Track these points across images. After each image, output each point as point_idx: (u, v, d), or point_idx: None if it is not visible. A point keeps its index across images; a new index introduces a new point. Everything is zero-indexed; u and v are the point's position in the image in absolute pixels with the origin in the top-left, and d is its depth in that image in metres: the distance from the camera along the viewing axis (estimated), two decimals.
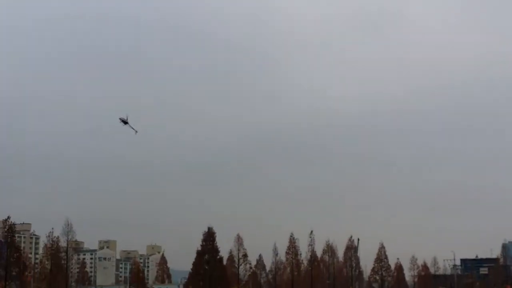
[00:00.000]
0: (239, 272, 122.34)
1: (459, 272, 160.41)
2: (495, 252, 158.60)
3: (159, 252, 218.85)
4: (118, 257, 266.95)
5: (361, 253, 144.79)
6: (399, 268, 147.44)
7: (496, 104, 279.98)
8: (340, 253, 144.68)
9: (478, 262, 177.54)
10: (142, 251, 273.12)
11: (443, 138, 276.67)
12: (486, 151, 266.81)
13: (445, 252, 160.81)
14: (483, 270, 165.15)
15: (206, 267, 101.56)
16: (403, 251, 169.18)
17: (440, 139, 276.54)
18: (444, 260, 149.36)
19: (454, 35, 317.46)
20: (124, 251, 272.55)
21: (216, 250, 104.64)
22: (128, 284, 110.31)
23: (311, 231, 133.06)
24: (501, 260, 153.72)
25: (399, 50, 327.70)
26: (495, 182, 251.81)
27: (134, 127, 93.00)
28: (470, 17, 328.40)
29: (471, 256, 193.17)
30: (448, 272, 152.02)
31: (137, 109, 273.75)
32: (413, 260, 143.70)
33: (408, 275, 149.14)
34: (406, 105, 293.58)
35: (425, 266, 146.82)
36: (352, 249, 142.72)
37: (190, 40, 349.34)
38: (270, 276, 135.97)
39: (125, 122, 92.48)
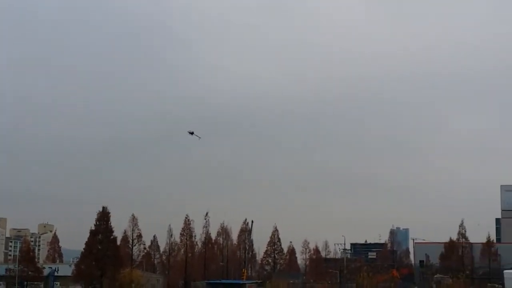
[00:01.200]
0: (133, 253, 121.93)
1: (349, 256, 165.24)
2: (383, 237, 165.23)
3: (51, 231, 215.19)
4: (8, 235, 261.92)
5: (255, 236, 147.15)
6: (292, 251, 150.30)
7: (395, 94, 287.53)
8: (235, 236, 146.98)
9: (367, 247, 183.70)
10: (34, 229, 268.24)
11: (341, 123, 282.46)
12: (381, 138, 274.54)
13: (337, 236, 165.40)
14: (372, 255, 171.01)
15: (99, 247, 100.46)
16: (296, 235, 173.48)
17: (337, 123, 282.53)
18: (335, 244, 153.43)
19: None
20: (15, 229, 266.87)
21: (110, 230, 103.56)
22: (17, 263, 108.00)
23: (207, 213, 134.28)
24: (389, 245, 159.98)
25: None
26: (386, 169, 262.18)
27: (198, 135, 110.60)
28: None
29: (361, 241, 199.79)
30: (339, 255, 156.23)
31: None
32: (305, 243, 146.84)
33: (300, 258, 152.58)
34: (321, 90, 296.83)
35: (316, 250, 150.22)
36: (246, 231, 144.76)
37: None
38: (164, 257, 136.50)
39: (191, 133, 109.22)
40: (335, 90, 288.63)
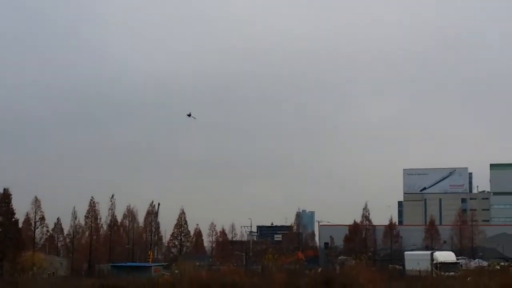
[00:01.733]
0: (35, 236, 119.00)
1: (255, 239, 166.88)
2: (289, 220, 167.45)
3: None
4: None
5: (162, 219, 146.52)
6: (198, 233, 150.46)
7: (297, 79, 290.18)
8: (141, 218, 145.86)
9: (273, 229, 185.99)
10: None
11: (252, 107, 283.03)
12: (291, 121, 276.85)
13: (244, 219, 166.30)
14: (277, 237, 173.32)
15: (0, 230, 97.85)
16: (204, 218, 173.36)
17: (247, 106, 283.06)
18: (241, 227, 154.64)
19: None
20: None
21: (11, 212, 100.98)
22: None
23: (112, 195, 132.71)
24: (295, 227, 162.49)
25: None
26: (295, 152, 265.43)
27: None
28: None
29: (267, 223, 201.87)
30: (245, 238, 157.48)
31: None
32: (212, 226, 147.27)
33: (207, 241, 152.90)
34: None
35: (223, 232, 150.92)
36: (152, 214, 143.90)
37: None
38: (68, 240, 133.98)
39: (189, 115, 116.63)
40: (236, 67, 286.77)
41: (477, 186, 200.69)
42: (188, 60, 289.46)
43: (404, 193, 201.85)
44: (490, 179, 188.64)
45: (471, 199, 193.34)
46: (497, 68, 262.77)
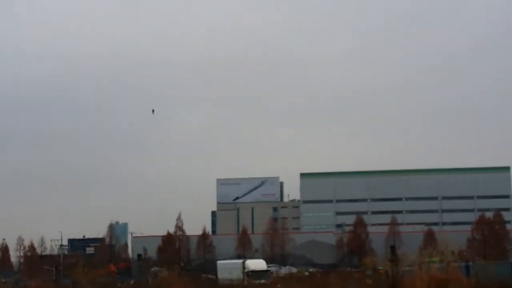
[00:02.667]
0: None
1: (66, 252, 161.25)
2: (102, 232, 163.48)
3: None
4: None
5: None
6: (5, 249, 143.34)
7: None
8: None
9: (85, 242, 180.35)
10: None
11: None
12: (104, 133, 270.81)
13: (54, 232, 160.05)
14: (90, 250, 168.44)
15: None
16: (11, 232, 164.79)
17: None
18: (51, 241, 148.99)
19: None
20: None
21: None
22: None
23: None
24: (107, 239, 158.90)
25: None
26: (108, 164, 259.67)
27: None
28: None
29: (79, 236, 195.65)
30: (55, 252, 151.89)
31: None
32: (20, 240, 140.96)
33: (15, 256, 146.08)
34: None
35: (32, 247, 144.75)
36: None
37: None
38: None
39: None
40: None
41: (288, 195, 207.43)
42: None
43: (218, 203, 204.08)
44: (300, 188, 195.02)
45: (282, 207, 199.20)
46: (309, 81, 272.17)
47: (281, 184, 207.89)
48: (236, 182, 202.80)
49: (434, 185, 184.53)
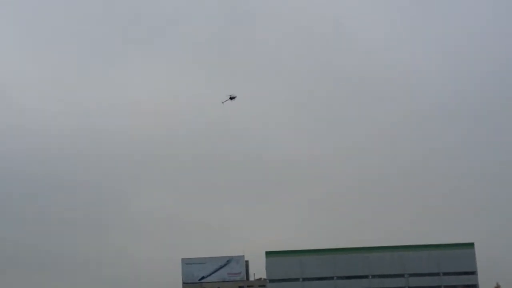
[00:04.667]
0: None
1: None
2: None
3: None
4: None
5: None
6: None
7: None
8: None
9: None
10: None
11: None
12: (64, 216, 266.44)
13: None
14: None
15: None
16: None
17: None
18: None
19: None
20: None
21: None
22: None
23: None
24: None
25: None
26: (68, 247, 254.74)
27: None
28: None
29: None
30: None
31: None
32: None
33: None
34: None
35: None
36: None
37: None
38: None
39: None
40: None
41: (254, 274, 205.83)
42: None
43: (183, 283, 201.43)
44: (266, 266, 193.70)
45: (248, 286, 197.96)
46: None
47: (247, 262, 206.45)
48: (202, 261, 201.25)
49: (399, 262, 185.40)
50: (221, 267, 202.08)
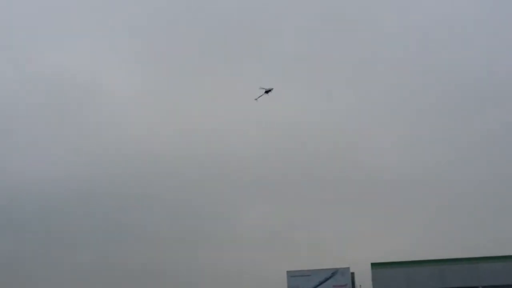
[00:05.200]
0: None
1: None
2: None
3: None
4: None
5: None
6: None
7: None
8: None
9: None
10: None
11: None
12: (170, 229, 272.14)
13: None
14: None
15: None
16: None
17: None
18: None
19: None
20: None
21: None
22: None
23: None
24: None
25: None
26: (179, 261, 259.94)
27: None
28: None
29: None
30: None
31: None
32: None
33: None
34: None
35: None
36: None
37: None
38: None
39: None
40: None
41: (360, 286, 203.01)
42: None
43: None
44: (372, 278, 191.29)
45: None
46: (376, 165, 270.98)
47: (352, 274, 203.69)
48: (307, 274, 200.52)
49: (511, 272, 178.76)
50: (326, 279, 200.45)
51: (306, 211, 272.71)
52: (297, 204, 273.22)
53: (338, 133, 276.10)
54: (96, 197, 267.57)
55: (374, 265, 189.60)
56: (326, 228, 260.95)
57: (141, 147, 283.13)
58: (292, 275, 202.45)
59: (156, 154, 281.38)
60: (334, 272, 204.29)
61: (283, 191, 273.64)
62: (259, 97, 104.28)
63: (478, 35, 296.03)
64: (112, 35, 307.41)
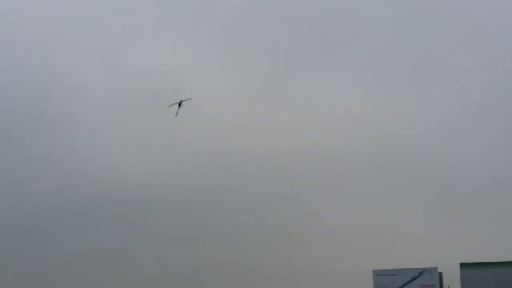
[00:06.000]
0: None
1: None
2: None
3: None
4: None
5: None
6: None
7: None
8: None
9: None
10: None
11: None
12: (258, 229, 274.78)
13: None
14: None
15: None
16: None
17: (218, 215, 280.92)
18: None
19: None
20: None
21: None
22: None
23: None
24: None
25: None
26: (266, 259, 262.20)
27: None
28: None
29: None
30: None
31: None
32: None
33: None
34: None
35: None
36: None
37: None
38: None
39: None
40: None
41: (448, 286, 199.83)
42: None
43: None
44: (460, 279, 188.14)
45: None
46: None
47: (440, 274, 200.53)
48: (393, 273, 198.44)
49: None
50: (414, 279, 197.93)
51: (393, 209, 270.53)
52: (384, 203, 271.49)
53: (433, 134, 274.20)
54: (183, 191, 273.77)
55: (463, 266, 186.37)
56: (413, 227, 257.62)
57: (230, 145, 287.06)
58: (379, 274, 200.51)
59: (259, 150, 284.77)
60: (421, 272, 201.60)
61: (370, 190, 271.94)
62: (177, 112, 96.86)
63: None
64: (199, 35, 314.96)
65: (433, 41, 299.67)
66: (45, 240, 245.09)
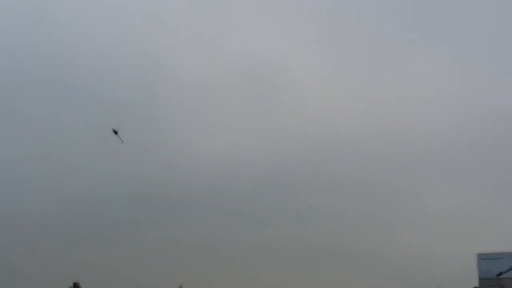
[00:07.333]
0: None
1: None
2: None
3: None
4: None
5: None
6: None
7: None
8: None
9: None
10: None
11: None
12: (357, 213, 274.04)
13: None
14: None
15: None
16: None
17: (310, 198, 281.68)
18: None
19: None
20: None
21: None
22: None
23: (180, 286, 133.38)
24: None
25: None
26: (366, 243, 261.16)
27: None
28: None
29: None
30: None
31: None
32: None
33: None
34: None
35: None
36: None
37: None
38: None
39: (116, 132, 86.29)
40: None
41: None
42: None
43: (480, 279, 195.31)
44: None
45: None
46: None
47: None
48: (499, 257, 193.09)
49: None
50: None
51: (499, 191, 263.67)
52: (485, 184, 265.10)
53: None
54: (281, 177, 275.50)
55: None
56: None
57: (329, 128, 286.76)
58: (484, 258, 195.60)
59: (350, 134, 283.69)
60: None
61: (471, 171, 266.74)
62: (120, 139, 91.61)
63: None
64: (301, 20, 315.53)
65: None
66: (156, 224, 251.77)
